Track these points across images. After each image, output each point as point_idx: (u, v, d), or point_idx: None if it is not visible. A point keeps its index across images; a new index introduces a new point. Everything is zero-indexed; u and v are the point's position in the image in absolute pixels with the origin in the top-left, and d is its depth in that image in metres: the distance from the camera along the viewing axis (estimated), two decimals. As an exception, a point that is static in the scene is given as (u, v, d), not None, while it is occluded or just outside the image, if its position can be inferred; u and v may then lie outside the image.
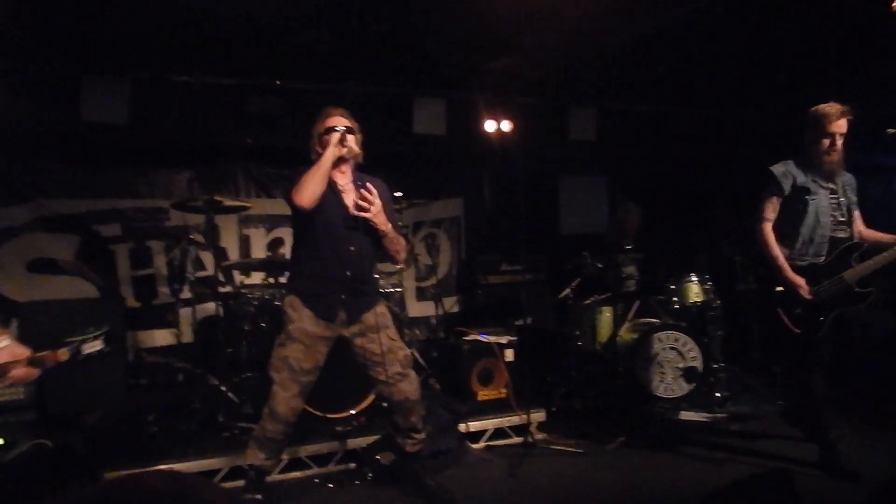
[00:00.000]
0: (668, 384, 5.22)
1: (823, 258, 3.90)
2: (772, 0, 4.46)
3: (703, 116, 7.06)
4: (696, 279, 5.52)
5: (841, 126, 3.82)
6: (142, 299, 6.01)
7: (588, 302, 5.64)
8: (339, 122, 3.57)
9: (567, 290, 5.81)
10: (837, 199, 3.93)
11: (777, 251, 3.89)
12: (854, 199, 3.99)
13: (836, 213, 3.92)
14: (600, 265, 5.54)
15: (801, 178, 3.92)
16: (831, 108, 3.82)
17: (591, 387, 5.43)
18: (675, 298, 5.57)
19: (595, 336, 5.56)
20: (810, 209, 3.89)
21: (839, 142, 3.84)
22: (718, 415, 5.09)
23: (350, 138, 3.53)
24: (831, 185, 3.93)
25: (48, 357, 2.67)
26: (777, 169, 3.97)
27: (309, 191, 3.32)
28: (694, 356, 5.26)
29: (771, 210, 3.97)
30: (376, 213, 3.47)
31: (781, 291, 3.89)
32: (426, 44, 5.11)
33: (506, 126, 6.25)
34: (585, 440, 4.66)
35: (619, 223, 6.02)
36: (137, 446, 4.20)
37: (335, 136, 3.47)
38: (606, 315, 5.55)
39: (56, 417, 4.58)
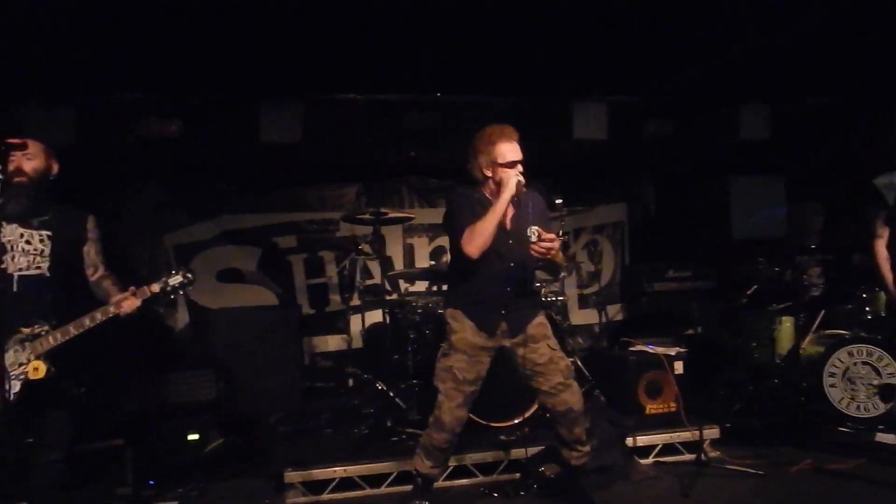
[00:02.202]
0: (862, 403, 4.75)
1: None
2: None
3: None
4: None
5: None
6: (316, 306, 6.39)
7: (766, 311, 5.26)
8: (516, 152, 3.46)
9: (742, 299, 5.45)
10: None
11: (884, 269, 3.55)
12: None
13: None
14: (779, 270, 5.15)
15: None
16: None
17: (770, 403, 5.05)
18: (867, 308, 5.06)
19: (774, 348, 5.18)
20: None
21: None
22: (921, 438, 4.56)
23: (522, 170, 3.43)
24: None
25: (144, 289, 3.13)
26: (880, 181, 3.60)
27: (481, 242, 3.32)
28: (891, 372, 4.75)
29: (881, 225, 3.63)
30: (557, 252, 3.39)
31: None
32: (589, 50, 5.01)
33: (666, 127, 5.99)
34: (765, 461, 4.33)
35: (799, 225, 5.58)
36: (313, 446, 4.43)
37: (513, 182, 3.35)
38: (787, 326, 5.16)
39: (242, 417, 4.94)
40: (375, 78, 5.53)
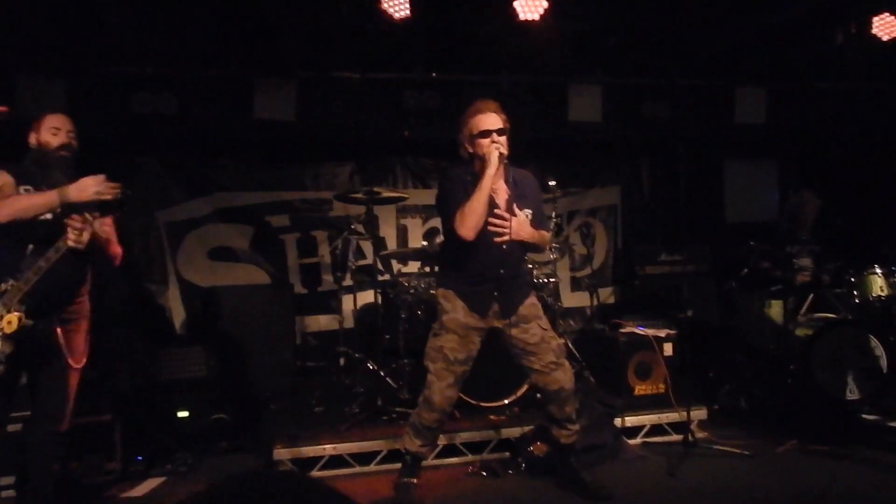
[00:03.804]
0: (849, 384, 4.78)
1: None
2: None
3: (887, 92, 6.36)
4: (880, 271, 5.01)
5: None
6: (308, 286, 6.38)
7: (756, 294, 5.28)
8: (492, 121, 3.42)
9: (732, 282, 5.47)
10: None
11: None
12: None
13: None
14: (770, 255, 5.17)
15: None
16: None
17: (758, 384, 5.09)
18: (855, 292, 5.09)
19: (764, 330, 5.21)
20: None
21: None
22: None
23: (502, 141, 3.39)
24: None
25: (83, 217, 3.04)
26: None
27: (473, 223, 3.30)
28: (878, 354, 4.79)
29: None
30: (515, 234, 3.38)
31: None
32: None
33: (661, 110, 5.99)
34: (752, 441, 4.37)
35: (792, 212, 5.59)
36: (303, 424, 4.45)
37: (494, 155, 3.32)
38: (777, 309, 5.18)
39: (233, 395, 4.95)
40: (372, 56, 5.51)
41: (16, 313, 2.90)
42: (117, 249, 3.37)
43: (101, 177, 3.03)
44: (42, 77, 4.91)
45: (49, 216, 3.05)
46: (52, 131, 3.20)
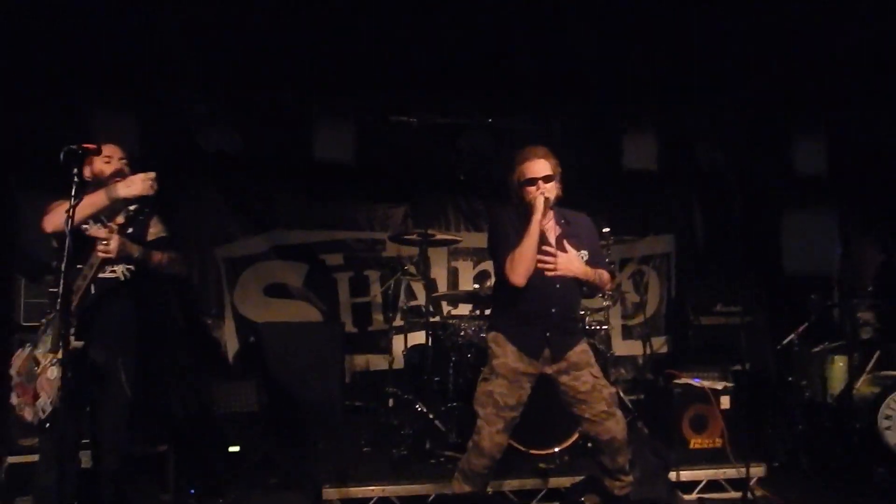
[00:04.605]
0: (917, 447, 4.57)
1: None
2: None
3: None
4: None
5: None
6: (359, 325, 6.43)
7: (818, 349, 5.12)
8: (539, 168, 3.42)
9: (793, 335, 5.31)
10: None
11: None
12: None
13: None
14: (832, 308, 5.02)
15: None
16: None
17: (820, 443, 4.90)
18: (924, 350, 4.89)
19: (826, 387, 5.03)
20: None
21: None
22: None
23: (549, 188, 3.40)
24: None
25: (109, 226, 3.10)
26: None
27: (523, 269, 3.32)
28: (950, 417, 4.58)
29: None
30: (564, 269, 3.38)
31: None
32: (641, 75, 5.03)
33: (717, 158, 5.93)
34: (814, 502, 4.19)
35: (855, 265, 5.43)
36: (351, 464, 4.44)
37: (539, 201, 3.34)
38: (840, 365, 5.01)
39: (284, 430, 4.98)
40: (430, 102, 5.63)
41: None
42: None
43: (152, 173, 3.09)
44: (117, 111, 5.10)
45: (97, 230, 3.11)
46: (105, 160, 3.25)
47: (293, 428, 5.15)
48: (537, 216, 3.35)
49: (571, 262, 3.43)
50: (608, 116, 5.92)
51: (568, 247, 3.45)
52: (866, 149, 6.23)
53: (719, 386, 4.70)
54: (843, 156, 6.14)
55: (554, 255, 3.37)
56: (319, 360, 5.47)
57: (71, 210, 2.72)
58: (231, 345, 6.13)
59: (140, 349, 3.26)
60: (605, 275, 3.61)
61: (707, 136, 6.15)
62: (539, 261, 3.37)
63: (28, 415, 3.04)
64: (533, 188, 3.42)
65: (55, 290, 2.80)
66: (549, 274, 3.38)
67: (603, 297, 5.27)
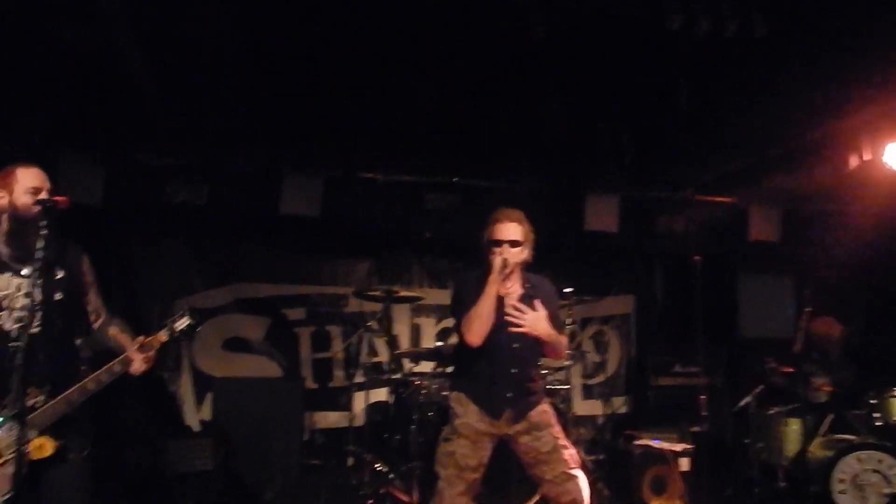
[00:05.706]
0: (871, 511, 4.63)
1: None
2: None
3: None
4: (903, 394, 4.95)
5: None
6: (319, 381, 6.34)
7: (772, 412, 5.21)
8: (507, 231, 3.46)
9: (749, 398, 5.40)
10: None
11: None
12: None
13: None
14: (787, 373, 5.13)
15: None
16: None
17: (777, 506, 4.95)
18: (876, 414, 5.01)
19: (781, 450, 5.09)
20: None
21: None
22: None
23: (514, 253, 3.43)
24: None
25: (152, 341, 2.81)
26: None
27: (479, 330, 3.34)
28: (901, 481, 4.66)
29: None
30: (531, 327, 3.40)
31: None
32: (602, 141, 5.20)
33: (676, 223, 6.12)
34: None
35: (809, 334, 5.55)
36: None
37: (497, 262, 3.38)
38: (794, 428, 5.10)
39: (240, 489, 4.86)
40: (397, 159, 5.72)
41: (49, 440, 2.51)
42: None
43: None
44: (84, 163, 5.07)
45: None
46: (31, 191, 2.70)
47: (250, 486, 5.03)
48: (493, 277, 3.37)
49: (539, 320, 3.45)
50: (572, 178, 6.08)
51: (537, 304, 3.49)
52: (817, 220, 6.48)
53: (679, 447, 4.74)
54: (795, 226, 6.38)
55: (523, 312, 3.40)
56: (278, 416, 5.37)
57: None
58: (188, 399, 5.98)
59: (93, 408, 3.00)
60: (563, 339, 3.66)
61: (666, 202, 6.33)
62: (507, 314, 3.39)
63: None
64: (499, 249, 3.48)
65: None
66: (515, 331, 3.40)
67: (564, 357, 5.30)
